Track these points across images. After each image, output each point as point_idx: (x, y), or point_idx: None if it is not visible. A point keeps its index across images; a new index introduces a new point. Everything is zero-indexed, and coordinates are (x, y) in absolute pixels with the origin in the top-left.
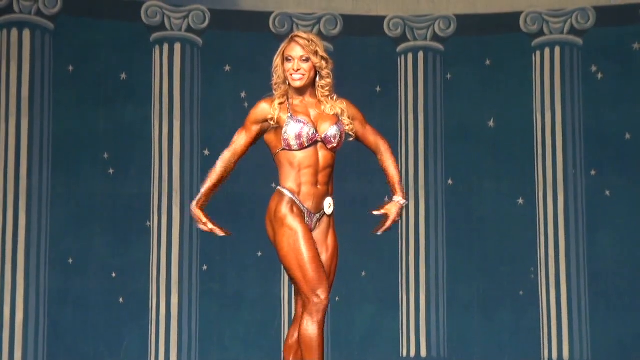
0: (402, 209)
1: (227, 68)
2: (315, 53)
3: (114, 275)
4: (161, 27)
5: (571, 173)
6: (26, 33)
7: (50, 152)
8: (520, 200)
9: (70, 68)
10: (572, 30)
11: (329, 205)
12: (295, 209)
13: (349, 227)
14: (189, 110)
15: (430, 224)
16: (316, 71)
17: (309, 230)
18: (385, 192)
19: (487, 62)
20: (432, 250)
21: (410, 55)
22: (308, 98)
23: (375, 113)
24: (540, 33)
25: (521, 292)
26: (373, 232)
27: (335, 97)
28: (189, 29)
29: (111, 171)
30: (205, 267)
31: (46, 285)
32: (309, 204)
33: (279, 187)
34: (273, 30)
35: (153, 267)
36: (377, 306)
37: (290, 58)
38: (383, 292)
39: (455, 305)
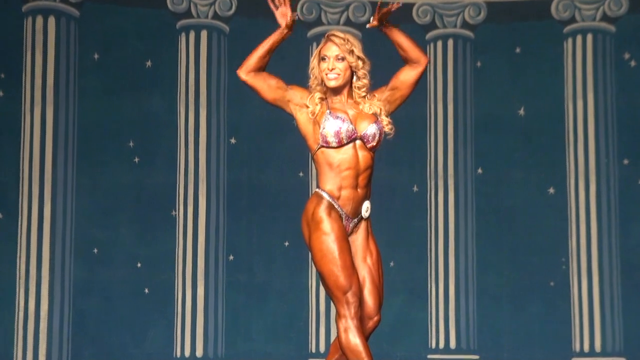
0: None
1: None
2: (351, 52)
3: (139, 265)
4: (187, 14)
5: (603, 162)
6: (51, 20)
7: (76, 141)
8: (551, 190)
9: (96, 56)
10: (605, 17)
11: (366, 209)
12: (333, 213)
13: (376, 217)
14: (215, 99)
15: (460, 214)
16: (352, 71)
17: (346, 234)
18: (412, 182)
19: (518, 50)
20: (461, 240)
21: (439, 43)
22: (345, 99)
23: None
24: (572, 20)
25: (552, 284)
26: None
27: (369, 96)
28: (216, 16)
29: (137, 160)
30: (231, 258)
31: (71, 275)
32: (347, 209)
33: (317, 190)
34: (300, 18)
35: (179, 258)
36: (405, 297)
37: (325, 57)
38: (412, 283)
39: (485, 297)
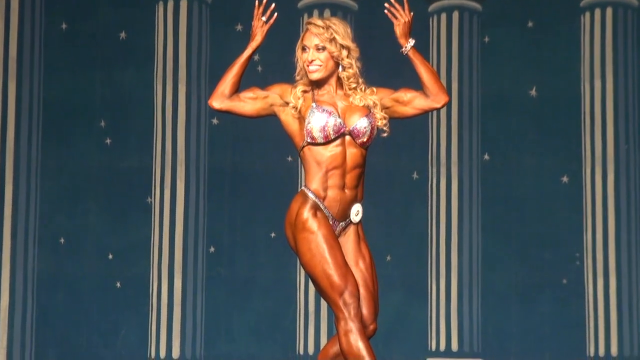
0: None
1: (239, 27)
2: (332, 41)
3: (110, 257)
4: None
5: (623, 148)
6: None
7: (41, 120)
8: (565, 178)
9: (64, 26)
10: None
11: (356, 212)
12: (318, 214)
13: (372, 206)
14: (196, 75)
15: (464, 204)
16: (337, 61)
17: (334, 233)
18: (411, 168)
19: (530, 24)
20: (465, 233)
21: (443, 16)
22: (334, 90)
23: (404, 80)
24: None
25: (565, 281)
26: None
27: (364, 88)
28: None
29: (108, 141)
30: (212, 249)
31: (35, 267)
32: (334, 211)
33: (303, 188)
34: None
35: (154, 249)
36: (403, 295)
37: (305, 47)
38: (410, 280)
39: (491, 295)
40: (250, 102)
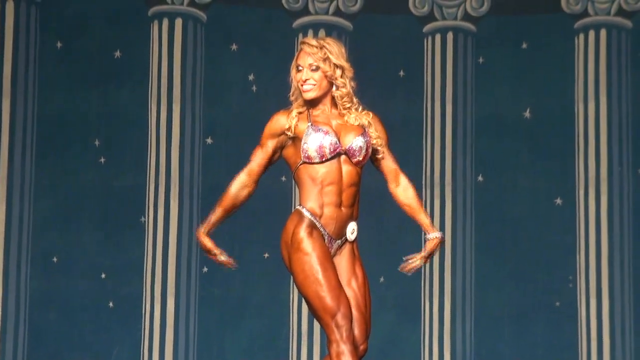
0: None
1: (234, 47)
2: (326, 60)
3: (103, 276)
4: None
5: (616, 170)
6: (9, 5)
7: (35, 138)
8: (559, 200)
9: (59, 44)
10: (620, 11)
11: (352, 230)
12: (314, 233)
13: (366, 227)
14: (190, 94)
15: (458, 225)
16: (330, 81)
17: (329, 254)
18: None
19: (524, 45)
20: (458, 254)
21: (438, 37)
22: (329, 109)
23: (398, 100)
24: (585, 14)
25: (558, 303)
26: (401, 269)
27: (361, 109)
28: (192, 3)
29: (102, 160)
30: (205, 269)
31: (27, 286)
32: (330, 229)
33: (298, 207)
34: (285, 6)
35: (147, 268)
36: (396, 316)
37: (299, 67)
38: (403, 300)
39: (484, 317)
40: (267, 162)
